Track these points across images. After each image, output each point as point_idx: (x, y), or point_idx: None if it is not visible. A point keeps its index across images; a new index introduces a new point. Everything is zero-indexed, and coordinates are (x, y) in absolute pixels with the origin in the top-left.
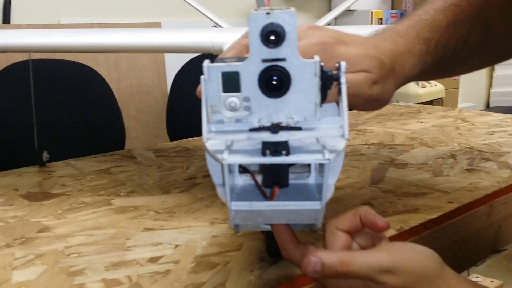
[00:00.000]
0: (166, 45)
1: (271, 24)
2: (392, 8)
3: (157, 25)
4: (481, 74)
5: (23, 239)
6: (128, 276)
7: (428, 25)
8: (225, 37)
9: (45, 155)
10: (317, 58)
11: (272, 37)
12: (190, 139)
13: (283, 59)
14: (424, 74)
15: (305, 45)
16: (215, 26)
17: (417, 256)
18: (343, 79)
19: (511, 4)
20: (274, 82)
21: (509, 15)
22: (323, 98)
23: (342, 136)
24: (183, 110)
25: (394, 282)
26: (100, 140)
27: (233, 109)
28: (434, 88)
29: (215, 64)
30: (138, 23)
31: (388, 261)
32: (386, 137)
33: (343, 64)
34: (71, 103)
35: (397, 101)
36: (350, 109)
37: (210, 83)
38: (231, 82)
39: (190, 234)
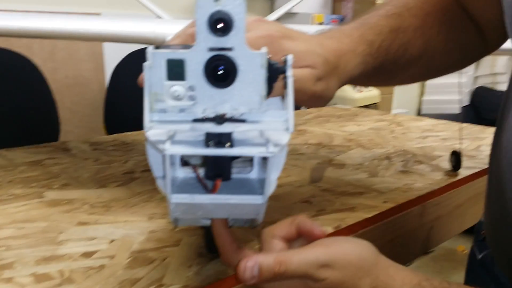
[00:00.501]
0: (107, 33)
1: (219, 11)
2: (333, 13)
3: (96, 15)
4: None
5: None
6: (60, 271)
7: (372, 28)
8: (168, 28)
9: None
10: (264, 49)
11: (220, 25)
12: (129, 133)
13: (230, 49)
14: (366, 76)
15: (251, 37)
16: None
17: (352, 247)
18: (289, 72)
19: (450, 19)
20: (220, 72)
21: (448, 29)
22: (269, 91)
23: (287, 129)
24: (122, 104)
25: (333, 277)
26: (33, 132)
27: (177, 98)
28: (369, 93)
29: (160, 50)
30: (76, 13)
31: (325, 256)
32: (324, 138)
33: (290, 57)
34: (3, 92)
35: (335, 104)
36: (295, 106)
37: (154, 70)
38: (176, 70)
39: (127, 229)
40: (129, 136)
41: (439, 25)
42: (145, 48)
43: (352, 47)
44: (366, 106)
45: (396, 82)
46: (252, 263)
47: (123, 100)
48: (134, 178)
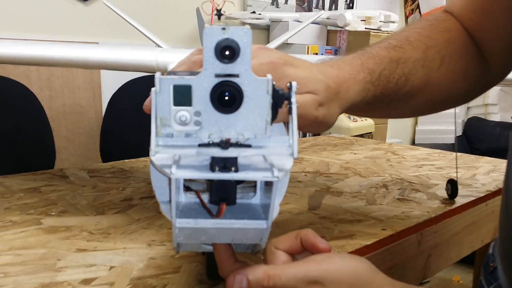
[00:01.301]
0: (109, 61)
1: (226, 39)
2: (327, 44)
3: (94, 45)
4: None
5: None
6: None
7: (372, 58)
8: (170, 56)
9: None
10: (269, 76)
11: (227, 52)
12: (126, 160)
13: (236, 75)
14: (367, 104)
15: (255, 64)
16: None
17: (345, 264)
18: (293, 99)
19: (454, 51)
20: (226, 98)
21: (452, 60)
22: (274, 117)
23: (291, 154)
24: (118, 132)
25: None
26: (29, 159)
27: (183, 123)
28: (364, 122)
29: (167, 76)
30: (75, 42)
31: (315, 272)
32: (321, 166)
33: (294, 84)
34: None
35: (330, 133)
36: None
37: (161, 95)
38: (182, 96)
39: (126, 255)
40: (127, 163)
41: (441, 58)
42: (142, 77)
43: (353, 75)
44: (361, 136)
45: (399, 113)
46: (241, 276)
47: (120, 129)
48: (132, 205)
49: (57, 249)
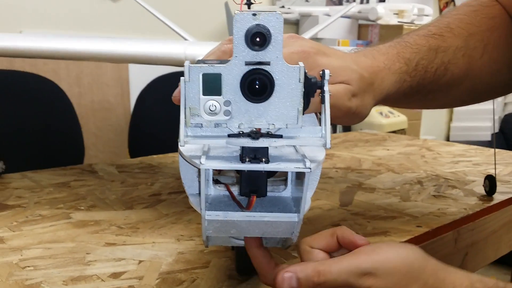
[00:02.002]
0: (138, 54)
1: (257, 25)
2: (358, 39)
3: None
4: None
5: None
6: None
7: (409, 47)
8: (199, 49)
9: (1, 166)
10: (301, 64)
11: (258, 39)
12: (155, 156)
13: (267, 63)
14: (403, 95)
15: (286, 53)
16: None
17: (396, 253)
18: (326, 87)
19: (498, 38)
20: (257, 86)
21: (495, 49)
22: (306, 106)
23: (324, 145)
24: (146, 129)
25: (376, 285)
26: (58, 155)
27: (212, 112)
28: (397, 118)
29: (196, 64)
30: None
31: (366, 263)
32: (353, 162)
33: (327, 72)
34: (30, 115)
35: (361, 129)
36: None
37: (190, 84)
38: (212, 85)
39: (155, 250)
40: (155, 159)
41: (484, 46)
42: (170, 74)
43: (388, 65)
44: (393, 132)
45: (437, 104)
46: (290, 274)
47: (148, 125)
48: (161, 200)
49: (86, 243)
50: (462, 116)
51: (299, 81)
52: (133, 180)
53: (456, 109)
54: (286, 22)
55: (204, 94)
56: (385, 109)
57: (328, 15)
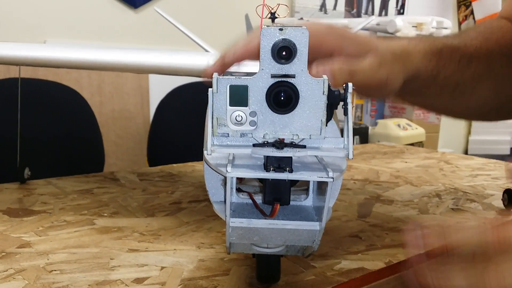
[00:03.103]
0: (161, 65)
1: (284, 40)
2: None
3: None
4: (460, 121)
5: (3, 254)
6: None
7: (431, 39)
8: None
9: (27, 172)
10: (325, 77)
11: (284, 53)
12: (175, 165)
13: (292, 76)
14: (432, 79)
15: (312, 27)
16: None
17: None
18: (349, 99)
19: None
20: (282, 98)
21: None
22: (329, 117)
23: (347, 156)
24: (165, 138)
25: None
26: (79, 162)
27: (239, 123)
28: (415, 131)
29: (224, 77)
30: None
31: None
32: (371, 174)
33: (350, 85)
34: (52, 123)
35: (379, 141)
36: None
37: (218, 95)
38: (238, 96)
39: (176, 257)
40: (175, 167)
41: (499, 48)
42: (189, 84)
43: (412, 44)
44: (411, 145)
45: (467, 102)
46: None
47: (167, 135)
48: (181, 209)
49: (110, 248)
50: (480, 129)
51: (323, 94)
52: (154, 188)
53: (474, 123)
54: None
55: (231, 105)
56: (403, 121)
57: (347, 27)
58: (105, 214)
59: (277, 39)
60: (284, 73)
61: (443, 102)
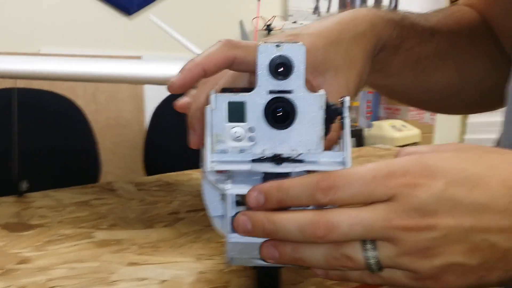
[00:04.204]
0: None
1: (280, 56)
2: None
3: (137, 58)
4: (454, 121)
5: (3, 270)
6: None
7: (391, 10)
8: None
9: (25, 185)
10: (322, 91)
11: (281, 69)
12: (172, 173)
13: (289, 91)
14: (395, 48)
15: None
16: None
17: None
18: (346, 113)
19: (470, 34)
20: (280, 114)
21: (471, 42)
22: (327, 132)
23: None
24: (161, 145)
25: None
26: (75, 172)
27: (237, 139)
28: (410, 132)
29: (221, 94)
30: (118, 56)
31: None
32: None
33: (347, 99)
34: (48, 132)
35: (374, 144)
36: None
37: (216, 112)
38: (236, 112)
39: (176, 269)
40: (172, 176)
41: (461, 38)
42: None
43: (372, 12)
44: (406, 146)
45: (430, 81)
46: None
47: (163, 141)
48: (180, 219)
49: (109, 262)
50: (476, 128)
51: (320, 109)
52: (151, 198)
53: (469, 122)
54: None
55: (229, 121)
56: (398, 122)
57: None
58: (104, 227)
59: (274, 56)
60: (281, 89)
61: (405, 80)
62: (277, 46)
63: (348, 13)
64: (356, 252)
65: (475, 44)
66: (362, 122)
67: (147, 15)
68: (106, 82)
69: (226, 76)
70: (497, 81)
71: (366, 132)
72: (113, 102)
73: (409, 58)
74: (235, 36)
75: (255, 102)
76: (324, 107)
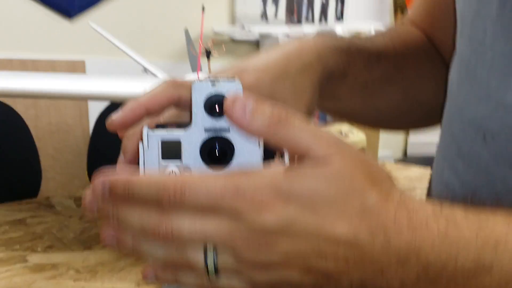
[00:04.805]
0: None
1: (216, 94)
2: None
3: (81, 63)
4: None
5: None
6: None
7: (337, 37)
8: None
9: None
10: None
11: (217, 107)
12: None
13: (226, 129)
14: (342, 76)
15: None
16: (144, 69)
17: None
18: (286, 156)
19: (416, 53)
20: (217, 153)
21: (417, 61)
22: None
23: None
24: (105, 151)
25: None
26: (14, 180)
27: None
28: (356, 137)
29: (155, 131)
30: (60, 61)
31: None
32: None
33: None
34: None
35: None
36: None
37: (149, 150)
38: (171, 150)
39: None
40: None
41: (407, 61)
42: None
43: (316, 41)
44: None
45: (378, 104)
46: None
47: (107, 147)
48: None
49: None
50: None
51: (259, 147)
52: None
53: None
54: (246, 42)
55: (163, 158)
56: (344, 127)
57: (288, 35)
58: (39, 249)
59: (209, 93)
60: (218, 127)
61: (354, 105)
62: (212, 83)
63: (294, 45)
64: (196, 254)
65: (421, 65)
66: None
67: (90, 18)
68: (48, 98)
69: (171, 111)
70: (443, 98)
71: None
72: (54, 107)
73: (357, 84)
74: (180, 43)
75: (191, 140)
76: (262, 144)
